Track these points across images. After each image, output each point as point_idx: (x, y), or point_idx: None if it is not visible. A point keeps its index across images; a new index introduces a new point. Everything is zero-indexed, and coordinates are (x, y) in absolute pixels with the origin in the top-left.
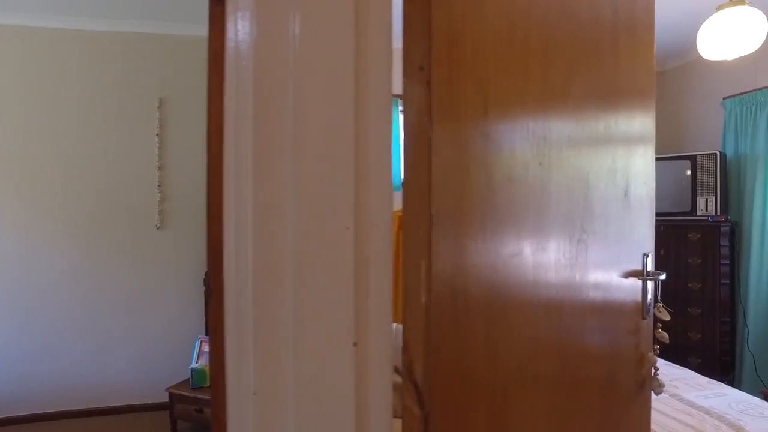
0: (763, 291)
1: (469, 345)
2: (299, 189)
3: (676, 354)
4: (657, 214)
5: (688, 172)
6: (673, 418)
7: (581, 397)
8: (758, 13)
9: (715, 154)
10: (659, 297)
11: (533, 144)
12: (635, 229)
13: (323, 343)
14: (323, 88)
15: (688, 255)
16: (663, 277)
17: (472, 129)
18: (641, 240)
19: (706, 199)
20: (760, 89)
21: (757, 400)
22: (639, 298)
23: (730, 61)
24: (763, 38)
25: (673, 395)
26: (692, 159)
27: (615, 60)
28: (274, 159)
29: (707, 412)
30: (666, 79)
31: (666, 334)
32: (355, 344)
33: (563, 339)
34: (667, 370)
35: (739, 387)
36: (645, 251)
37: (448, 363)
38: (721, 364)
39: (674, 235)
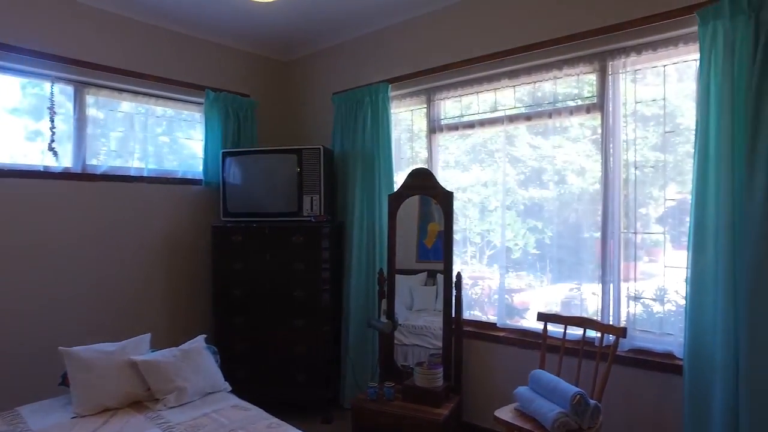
0: (361, 294)
1: None
2: None
3: (282, 373)
4: (265, 215)
5: (299, 170)
6: None
7: None
8: None
9: (319, 148)
10: None
11: None
12: None
13: None
14: None
15: (293, 260)
16: None
17: None
18: None
19: (312, 198)
20: (360, 87)
21: None
22: None
23: (340, 57)
24: None
25: None
26: (299, 153)
27: None
28: None
29: None
30: (288, 70)
31: None
32: None
33: None
34: (229, 414)
35: (342, 397)
36: None
37: None
38: (325, 377)
39: (280, 238)
